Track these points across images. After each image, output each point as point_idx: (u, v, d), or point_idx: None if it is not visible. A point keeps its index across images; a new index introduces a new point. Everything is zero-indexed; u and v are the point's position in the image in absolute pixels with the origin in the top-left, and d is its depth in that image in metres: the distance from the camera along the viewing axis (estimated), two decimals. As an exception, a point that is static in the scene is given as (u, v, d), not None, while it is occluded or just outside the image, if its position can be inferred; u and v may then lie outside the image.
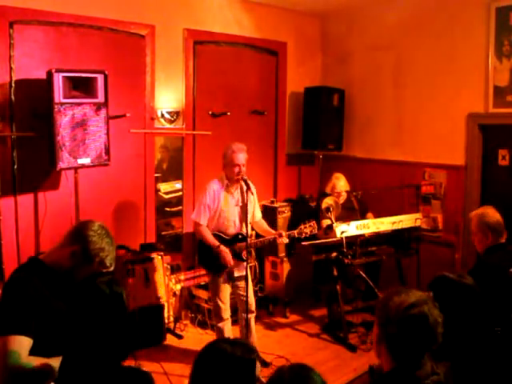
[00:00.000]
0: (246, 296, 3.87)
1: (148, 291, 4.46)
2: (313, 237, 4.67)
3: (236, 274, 4.02)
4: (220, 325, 4.03)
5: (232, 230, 4.00)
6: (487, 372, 2.19)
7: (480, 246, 3.27)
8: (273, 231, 4.14)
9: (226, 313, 4.04)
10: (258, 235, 4.30)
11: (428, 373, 1.79)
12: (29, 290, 2.04)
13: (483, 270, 3.05)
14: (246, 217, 3.83)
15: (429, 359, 1.82)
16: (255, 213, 4.14)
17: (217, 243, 3.90)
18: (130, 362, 1.93)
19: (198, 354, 1.66)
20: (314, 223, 4.05)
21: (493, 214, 3.24)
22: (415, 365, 1.78)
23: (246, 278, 3.82)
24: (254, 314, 4.17)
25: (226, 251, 3.89)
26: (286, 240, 4.01)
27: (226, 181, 3.98)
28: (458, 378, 2.07)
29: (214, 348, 1.66)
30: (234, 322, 4.29)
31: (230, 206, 3.97)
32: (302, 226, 4.03)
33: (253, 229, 4.27)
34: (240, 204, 3.98)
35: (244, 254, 3.92)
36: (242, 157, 3.89)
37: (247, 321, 3.98)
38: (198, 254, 4.16)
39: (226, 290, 4.03)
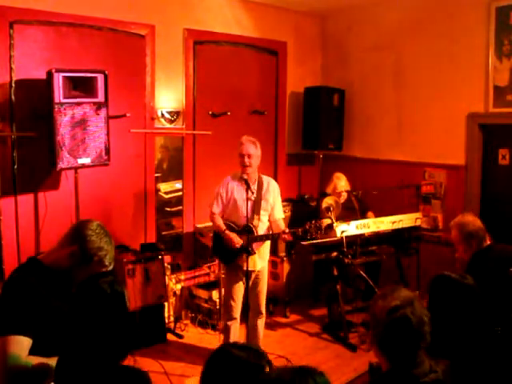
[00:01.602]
0: (246, 291, 3.87)
1: (148, 291, 4.46)
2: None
3: (249, 268, 3.97)
4: (229, 323, 4.03)
5: (242, 222, 3.96)
6: (487, 372, 2.19)
7: (466, 255, 3.22)
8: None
9: (236, 312, 4.03)
10: None
11: (426, 371, 1.80)
12: (27, 290, 2.04)
13: (483, 270, 3.05)
14: (260, 211, 3.85)
15: (427, 357, 1.83)
16: (274, 212, 4.09)
17: (223, 227, 3.95)
18: (128, 362, 1.92)
19: (209, 357, 1.65)
20: (320, 222, 4.00)
21: (473, 222, 3.18)
22: (411, 364, 1.79)
23: (246, 272, 3.81)
24: (262, 316, 4.12)
25: (231, 234, 3.89)
26: (287, 237, 3.97)
27: (239, 174, 3.99)
28: (458, 377, 2.07)
29: (225, 352, 1.65)
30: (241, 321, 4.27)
31: (242, 197, 3.94)
32: (308, 226, 3.98)
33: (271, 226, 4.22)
34: (253, 199, 3.94)
35: (251, 247, 3.88)
36: (247, 147, 3.90)
37: (247, 315, 3.96)
38: (213, 244, 4.18)
39: (238, 289, 4.01)
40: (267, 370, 1.61)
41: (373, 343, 1.88)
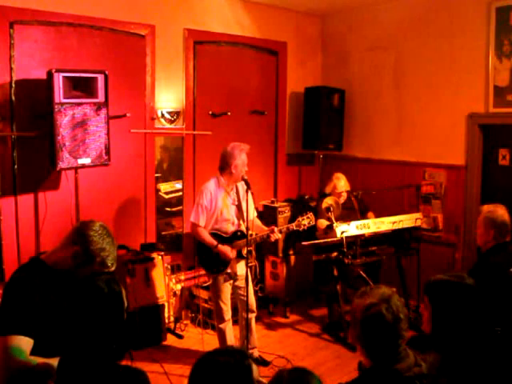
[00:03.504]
0: (247, 295, 3.88)
1: (148, 291, 4.46)
2: (313, 236, 4.68)
3: (238, 273, 4.02)
4: (221, 326, 4.04)
5: (231, 229, 4.01)
6: (487, 372, 2.19)
7: (480, 239, 3.31)
8: (265, 228, 4.13)
9: (228, 314, 4.05)
10: None
11: (410, 365, 1.83)
12: (29, 290, 2.04)
13: (484, 269, 3.06)
14: (244, 214, 3.84)
15: (413, 352, 1.86)
16: (249, 212, 4.14)
17: (215, 243, 3.91)
18: (126, 362, 1.92)
19: (195, 367, 1.64)
20: (311, 214, 4.05)
21: (501, 214, 3.25)
22: (392, 359, 1.83)
23: (246, 276, 3.82)
24: (254, 314, 4.18)
25: (224, 248, 3.90)
26: (278, 235, 4.01)
27: (223, 180, 3.98)
28: (458, 376, 2.07)
29: (207, 361, 1.63)
30: (235, 322, 4.29)
31: (228, 205, 3.98)
32: (300, 218, 4.03)
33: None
34: (236, 203, 3.99)
35: (244, 251, 3.92)
36: (246, 158, 3.94)
37: (247, 320, 3.98)
38: (198, 255, 4.16)
39: (226, 291, 4.04)
40: (253, 367, 1.62)
41: (354, 341, 1.93)
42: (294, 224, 4.06)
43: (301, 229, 4.07)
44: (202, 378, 1.60)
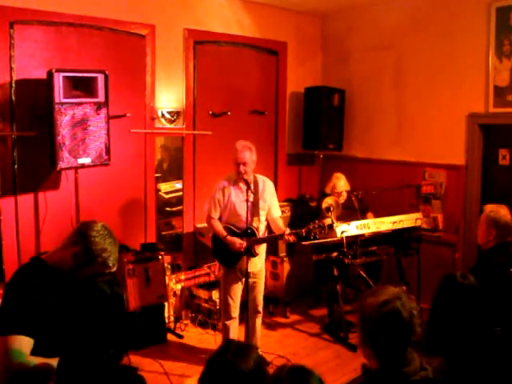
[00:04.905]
0: (247, 291, 3.87)
1: (148, 291, 4.46)
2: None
3: (249, 270, 3.99)
4: (227, 323, 4.03)
5: (243, 224, 3.97)
6: (487, 372, 2.19)
7: (481, 238, 3.32)
8: (283, 228, 4.06)
9: (235, 311, 4.04)
10: (270, 231, 4.21)
11: (416, 369, 1.81)
12: (30, 290, 2.04)
13: (484, 269, 3.06)
14: (260, 212, 3.87)
15: (418, 355, 1.84)
16: (272, 210, 4.08)
17: (224, 233, 3.93)
18: (123, 361, 1.92)
19: (212, 367, 1.62)
20: (323, 222, 3.96)
21: (504, 214, 3.25)
22: (401, 361, 1.80)
23: (246, 273, 3.81)
24: (260, 315, 4.15)
25: (232, 239, 3.88)
26: (291, 238, 3.91)
27: (234, 177, 3.99)
28: (456, 376, 2.07)
29: (232, 368, 1.61)
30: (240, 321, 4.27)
31: (240, 200, 3.97)
32: (311, 226, 3.95)
33: (269, 225, 4.22)
34: (251, 200, 3.92)
35: (253, 249, 3.90)
36: (243, 155, 3.88)
37: (247, 317, 3.97)
38: (212, 247, 4.17)
39: (237, 288, 4.02)
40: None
41: (363, 343, 1.88)
42: (303, 230, 3.90)
43: (311, 236, 3.96)
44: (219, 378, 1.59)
